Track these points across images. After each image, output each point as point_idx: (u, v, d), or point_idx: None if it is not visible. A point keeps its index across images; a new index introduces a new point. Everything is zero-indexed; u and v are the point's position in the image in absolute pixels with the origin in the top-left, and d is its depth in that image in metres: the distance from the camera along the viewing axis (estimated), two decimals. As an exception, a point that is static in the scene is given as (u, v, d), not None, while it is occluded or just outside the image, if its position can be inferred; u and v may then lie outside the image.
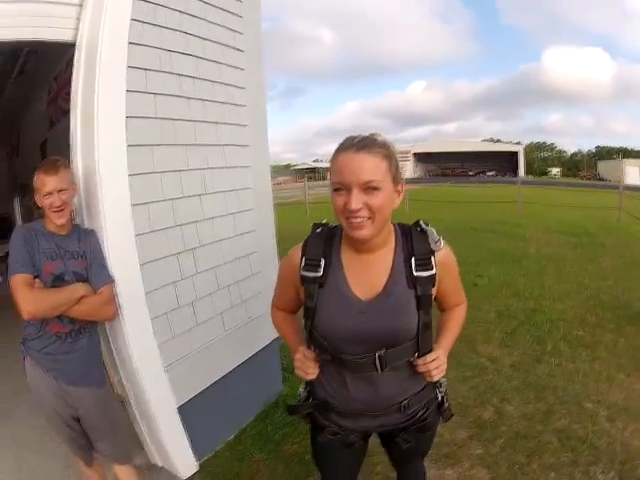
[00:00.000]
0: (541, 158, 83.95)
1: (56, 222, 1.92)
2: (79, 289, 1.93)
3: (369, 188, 1.17)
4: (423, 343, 1.34)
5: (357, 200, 1.17)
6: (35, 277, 1.85)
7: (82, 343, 2.01)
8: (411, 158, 67.41)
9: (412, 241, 1.33)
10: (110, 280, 2.10)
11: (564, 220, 12.32)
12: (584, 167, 72.03)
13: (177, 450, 2.63)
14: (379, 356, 1.30)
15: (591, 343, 4.03)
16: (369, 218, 1.20)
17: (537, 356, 3.83)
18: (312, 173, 59.01)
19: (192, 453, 2.69)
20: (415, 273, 1.29)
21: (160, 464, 2.74)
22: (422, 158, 70.19)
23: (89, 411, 2.05)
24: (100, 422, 2.10)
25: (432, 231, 1.33)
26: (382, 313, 1.28)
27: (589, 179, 56.25)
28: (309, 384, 1.51)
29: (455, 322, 1.54)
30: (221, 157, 2.90)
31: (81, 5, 2.21)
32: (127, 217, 2.31)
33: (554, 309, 4.95)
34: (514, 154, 63.43)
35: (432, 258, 1.31)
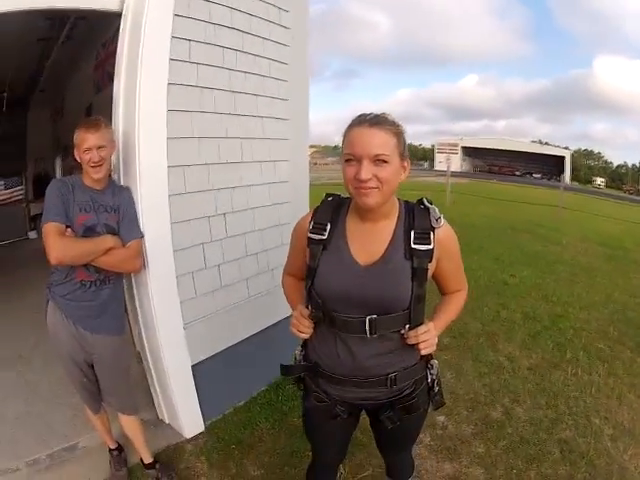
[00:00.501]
0: (587, 166, 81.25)
1: (93, 176, 2.01)
2: (107, 241, 2.02)
3: (378, 160, 1.26)
4: (415, 315, 1.38)
5: (367, 171, 1.25)
6: (67, 227, 1.94)
7: (105, 292, 2.10)
8: (459, 151, 66.22)
9: (414, 216, 1.39)
10: (139, 235, 2.19)
11: (602, 231, 11.97)
12: (629, 180, 69.81)
13: (185, 409, 2.72)
14: (370, 320, 1.35)
15: (609, 358, 3.94)
16: (376, 188, 1.27)
17: (555, 362, 3.79)
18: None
19: (200, 414, 2.79)
20: (413, 245, 1.35)
21: (167, 421, 2.86)
22: (470, 152, 68.79)
23: (103, 358, 2.15)
24: (112, 370, 2.20)
25: (434, 209, 1.39)
26: (378, 279, 1.34)
27: (631, 193, 54.65)
28: (304, 347, 1.58)
29: (452, 306, 1.58)
30: (259, 128, 2.97)
31: None
32: (162, 178, 2.40)
33: (579, 318, 4.86)
34: (561, 159, 61.42)
35: (431, 234, 1.36)
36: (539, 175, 61.60)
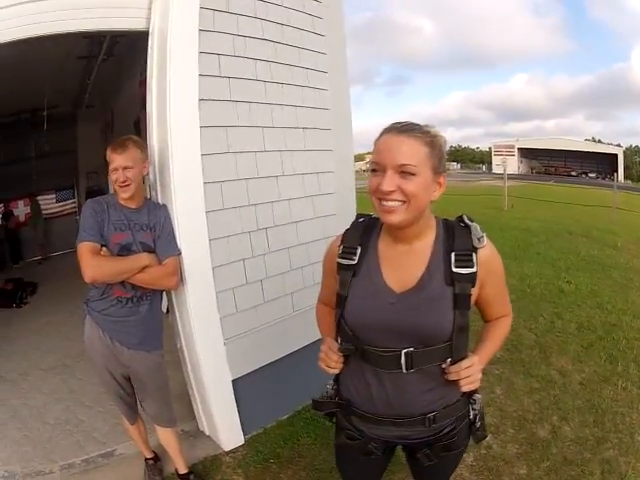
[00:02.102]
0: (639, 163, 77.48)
1: (122, 196, 2.05)
2: (143, 258, 2.04)
3: (404, 172, 1.13)
4: (457, 348, 1.23)
5: (390, 182, 1.13)
6: (102, 246, 1.98)
7: (142, 309, 2.13)
8: (516, 153, 64.43)
9: (453, 236, 1.25)
10: (176, 252, 2.21)
11: (657, 231, 11.32)
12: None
13: (225, 422, 2.73)
14: (405, 353, 1.22)
15: (660, 370, 3.72)
16: (403, 203, 1.15)
17: (606, 376, 3.62)
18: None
19: (240, 427, 2.78)
20: (454, 269, 1.21)
21: (207, 432, 2.87)
22: (526, 154, 66.93)
23: (139, 372, 2.19)
24: (148, 384, 2.23)
25: (476, 227, 1.25)
26: (413, 307, 1.22)
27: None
28: (336, 382, 1.45)
29: (497, 335, 1.42)
30: (300, 140, 2.94)
31: None
32: (198, 194, 2.42)
33: (633, 327, 4.63)
34: (614, 157, 58.83)
35: (474, 255, 1.22)
36: (594, 175, 59.30)
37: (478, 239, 1.23)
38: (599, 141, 74.63)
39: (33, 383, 3.58)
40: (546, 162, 67.55)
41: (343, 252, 1.33)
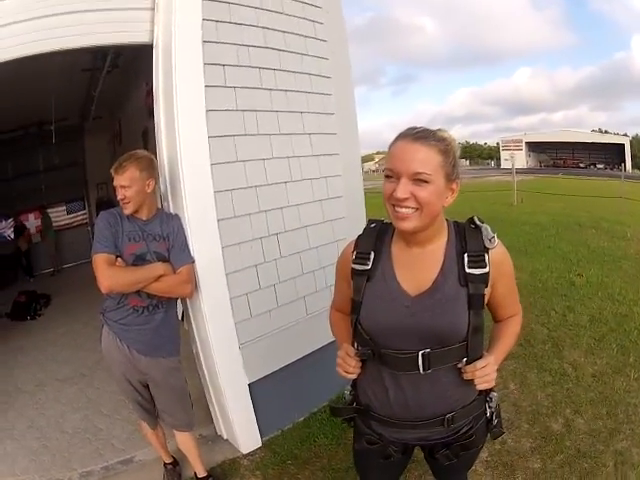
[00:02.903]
0: (646, 152, 76.70)
1: (124, 211, 2.12)
2: (158, 268, 2.10)
3: (418, 180, 1.15)
4: (472, 347, 1.26)
5: (404, 189, 1.15)
6: (117, 257, 2.04)
7: (158, 317, 2.19)
8: (524, 147, 64.09)
9: (465, 237, 1.27)
10: (189, 261, 2.26)
11: (666, 220, 11.25)
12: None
13: (242, 425, 2.77)
14: (422, 354, 1.24)
15: (671, 359, 3.72)
16: (416, 210, 1.17)
17: (619, 367, 3.62)
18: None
19: (257, 430, 2.83)
20: (467, 270, 1.24)
21: (225, 436, 2.92)
22: (534, 147, 66.65)
23: (156, 379, 2.24)
24: (166, 390, 2.29)
25: (486, 227, 1.27)
26: (428, 309, 1.23)
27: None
28: (354, 387, 1.48)
29: (509, 334, 1.43)
30: (307, 145, 2.98)
31: (154, 9, 2.38)
32: (209, 203, 2.47)
33: (644, 317, 4.65)
34: (622, 146, 58.31)
35: (486, 256, 1.25)
36: (602, 165, 58.83)
37: (489, 240, 1.25)
38: (605, 132, 73.98)
39: (50, 394, 3.63)
40: (554, 155, 67.35)
41: (357, 258, 1.35)
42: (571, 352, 3.94)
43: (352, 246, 1.40)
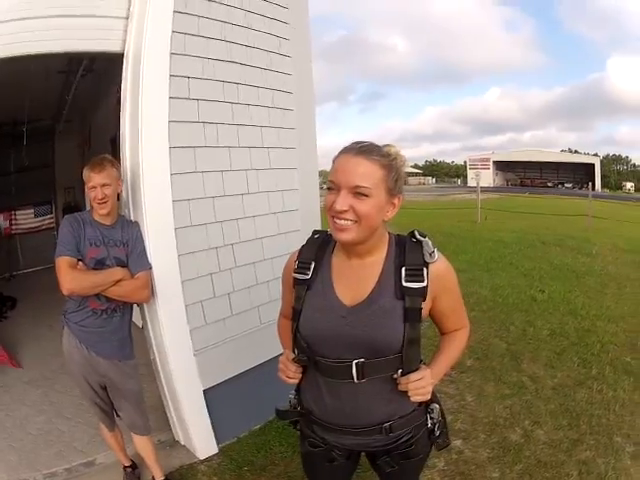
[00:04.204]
0: (617, 172, 79.12)
1: (99, 212, 2.16)
2: (116, 273, 2.15)
3: (358, 193, 1.17)
4: (407, 359, 1.26)
5: (343, 202, 1.17)
6: (79, 260, 2.09)
7: (115, 320, 2.24)
8: (491, 166, 65.22)
9: (405, 251, 1.28)
10: (147, 267, 2.32)
11: (632, 237, 11.58)
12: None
13: (198, 431, 2.80)
14: (357, 364, 1.26)
15: (637, 371, 3.80)
16: (355, 222, 1.19)
17: (580, 380, 3.69)
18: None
19: (213, 436, 2.85)
20: (404, 284, 1.24)
21: (182, 442, 2.93)
22: (502, 166, 68.05)
23: (114, 381, 2.28)
24: (122, 392, 2.33)
25: (427, 242, 1.28)
26: (363, 320, 1.25)
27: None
28: (298, 392, 1.48)
29: (453, 348, 1.45)
30: (266, 158, 3.04)
31: (127, 18, 2.43)
32: (167, 211, 2.52)
33: (607, 331, 4.72)
34: (591, 166, 59.96)
35: (424, 270, 1.25)
36: (570, 185, 60.29)
37: (429, 254, 1.26)
38: (575, 151, 76.08)
39: (15, 395, 3.60)
40: (522, 174, 68.78)
41: (298, 267, 1.38)
42: (530, 365, 3.97)
43: (295, 255, 1.44)
